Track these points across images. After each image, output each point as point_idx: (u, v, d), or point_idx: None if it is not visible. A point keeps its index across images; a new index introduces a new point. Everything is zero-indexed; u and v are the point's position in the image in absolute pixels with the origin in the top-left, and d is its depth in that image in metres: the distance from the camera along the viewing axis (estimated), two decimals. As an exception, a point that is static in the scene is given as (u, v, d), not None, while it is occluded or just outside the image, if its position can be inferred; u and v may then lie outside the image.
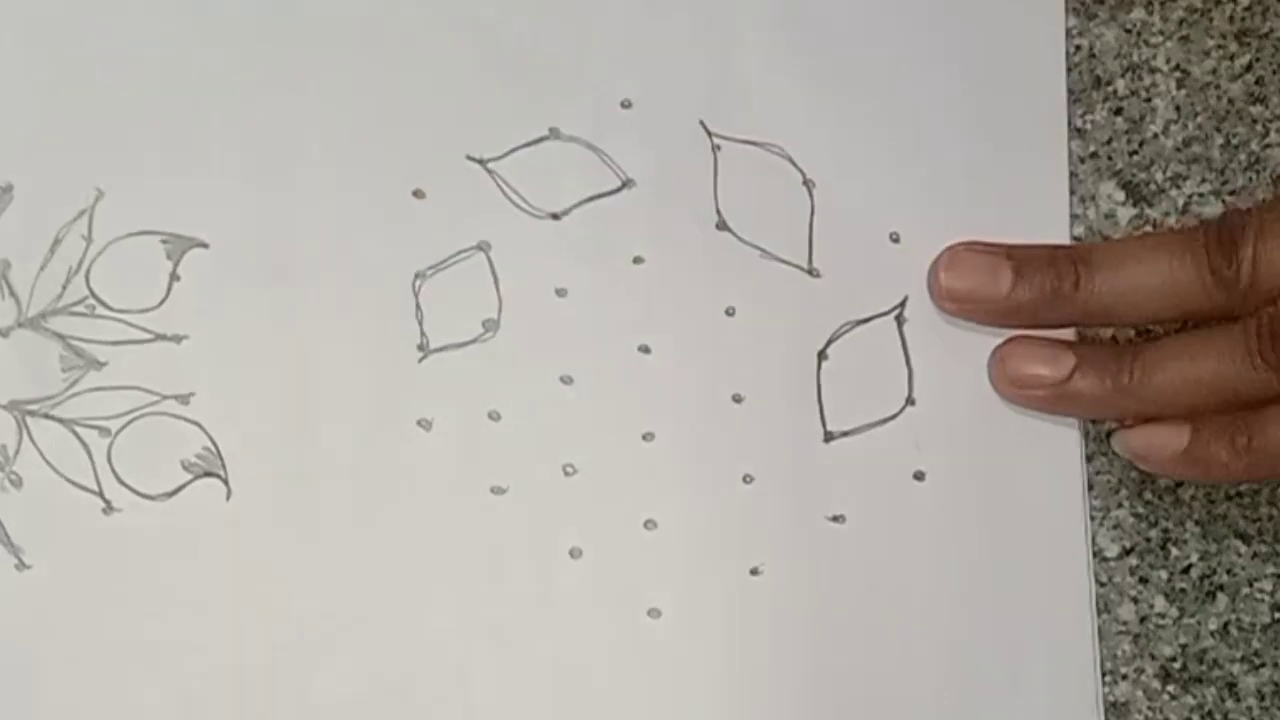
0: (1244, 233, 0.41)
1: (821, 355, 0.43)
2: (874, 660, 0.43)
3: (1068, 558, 0.44)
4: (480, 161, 0.43)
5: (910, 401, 0.44)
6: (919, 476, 0.43)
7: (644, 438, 0.43)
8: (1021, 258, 0.43)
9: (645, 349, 0.43)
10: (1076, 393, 0.43)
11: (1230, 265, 0.41)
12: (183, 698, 0.41)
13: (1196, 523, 0.45)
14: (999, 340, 0.44)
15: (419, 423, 0.42)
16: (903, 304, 0.44)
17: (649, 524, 0.43)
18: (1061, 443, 0.44)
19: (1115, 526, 0.44)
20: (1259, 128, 0.46)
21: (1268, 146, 0.45)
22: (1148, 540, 0.45)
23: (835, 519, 0.43)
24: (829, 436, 0.43)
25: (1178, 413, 0.43)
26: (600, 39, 0.44)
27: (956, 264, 0.43)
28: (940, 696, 0.43)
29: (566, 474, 0.43)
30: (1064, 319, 0.43)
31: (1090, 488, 0.44)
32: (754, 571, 0.43)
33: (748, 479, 0.43)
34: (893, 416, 0.44)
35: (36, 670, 0.40)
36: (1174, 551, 0.45)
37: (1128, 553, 0.44)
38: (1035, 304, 0.43)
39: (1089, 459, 0.44)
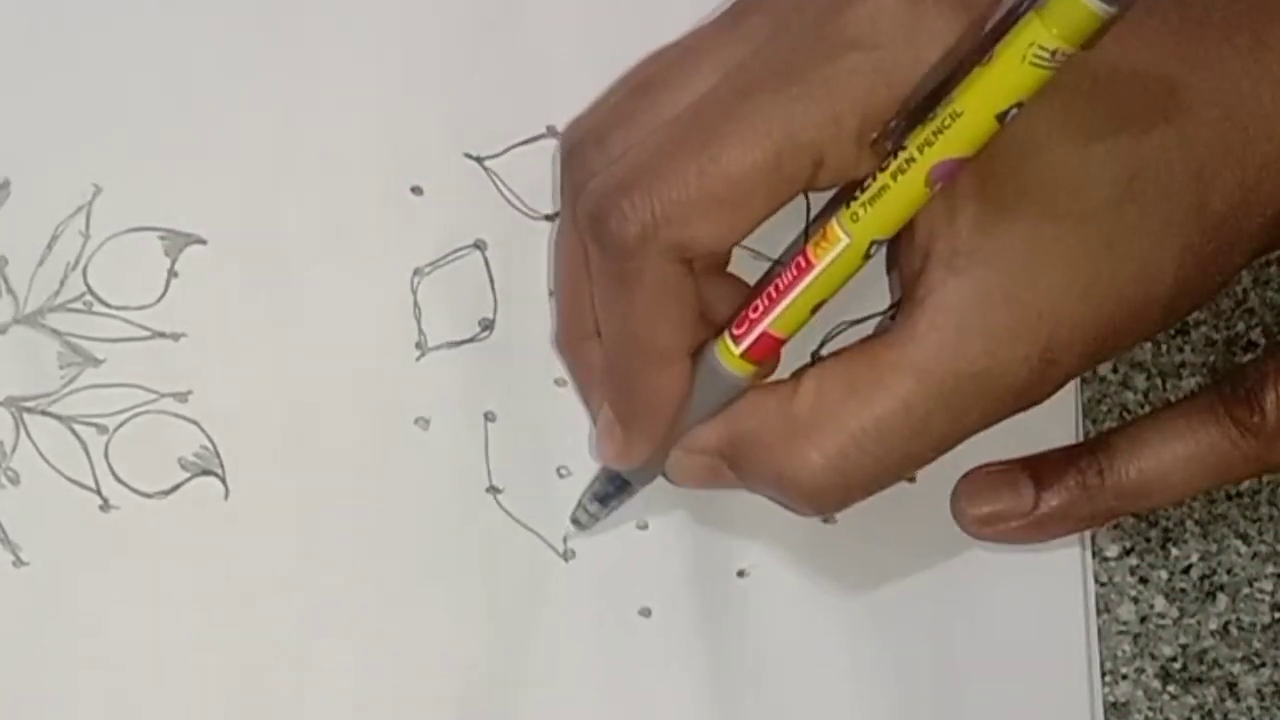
0: (1262, 380, 0.40)
1: (815, 355, 0.43)
2: (864, 662, 0.43)
3: (1061, 559, 0.43)
4: (478, 159, 0.43)
5: (905, 402, 0.44)
6: (910, 478, 0.43)
7: (637, 439, 0.43)
8: (1038, 465, 0.42)
9: (639, 349, 0.43)
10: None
11: (1254, 413, 0.40)
12: (179, 695, 0.41)
13: (1196, 523, 0.45)
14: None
15: (416, 421, 0.42)
16: (897, 304, 0.44)
17: (641, 525, 0.43)
18: (1056, 444, 0.44)
19: (1115, 526, 0.44)
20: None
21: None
22: (1148, 540, 0.44)
23: (825, 520, 0.43)
24: (823, 437, 0.43)
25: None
26: (599, 37, 0.44)
27: (975, 490, 0.42)
28: (933, 698, 0.43)
29: (560, 475, 0.43)
30: (1101, 513, 0.42)
31: (1090, 487, 0.44)
32: (741, 574, 0.43)
33: (740, 480, 0.43)
34: (886, 417, 0.44)
35: (33, 667, 0.40)
36: (1174, 551, 0.45)
37: (1128, 553, 0.44)
38: (1066, 506, 0.41)
39: (1089, 459, 0.44)
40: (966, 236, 0.37)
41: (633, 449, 0.40)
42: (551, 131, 0.43)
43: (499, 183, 0.43)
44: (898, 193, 0.36)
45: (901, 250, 0.38)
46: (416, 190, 0.43)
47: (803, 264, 0.37)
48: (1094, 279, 0.37)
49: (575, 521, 0.42)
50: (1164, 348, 0.45)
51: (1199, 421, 0.41)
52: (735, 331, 0.38)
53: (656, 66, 0.39)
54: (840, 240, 0.37)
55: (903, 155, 0.36)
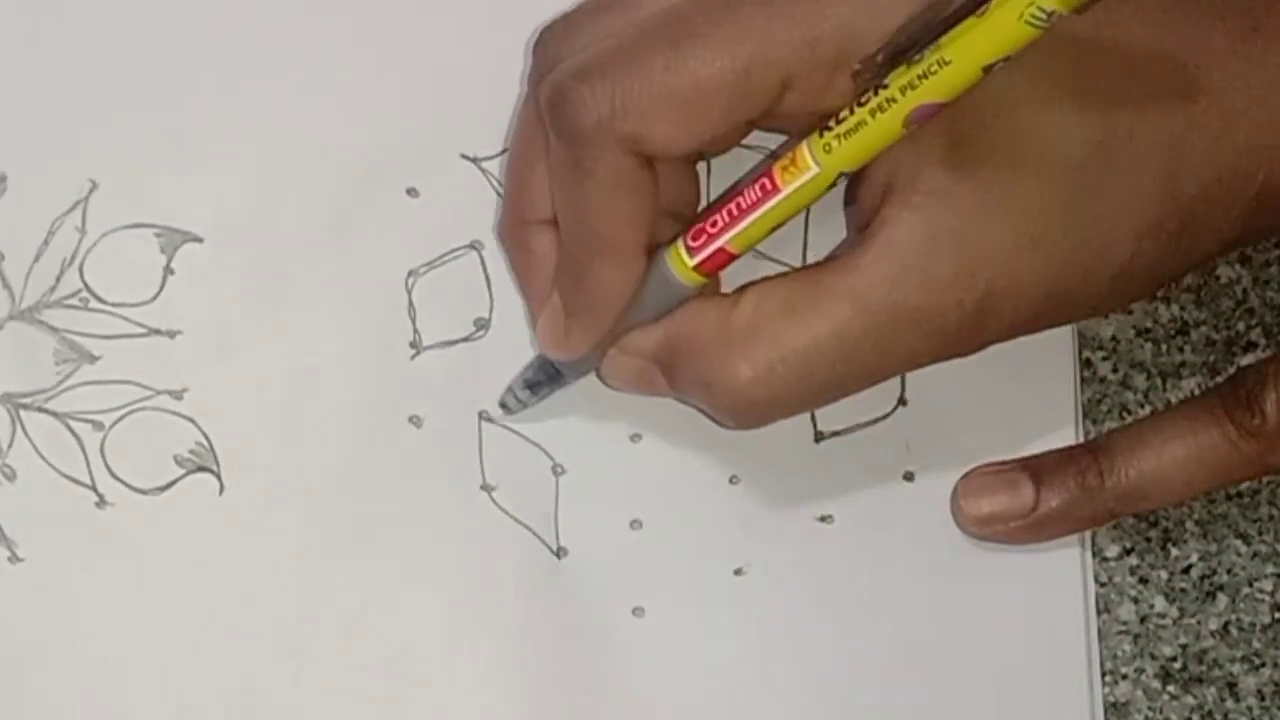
0: (1262, 382, 0.40)
1: None
2: (861, 662, 0.42)
3: (1061, 559, 0.43)
4: (474, 160, 0.43)
5: (902, 401, 0.43)
6: (909, 477, 0.43)
7: (632, 438, 0.43)
8: (1038, 466, 0.42)
9: (634, 349, 0.43)
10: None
11: (1254, 416, 0.40)
12: (174, 692, 0.41)
13: (1196, 523, 0.44)
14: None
15: (410, 419, 0.42)
16: None
17: (635, 523, 0.43)
18: (1055, 445, 0.43)
19: (1115, 526, 0.44)
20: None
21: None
22: (1148, 540, 0.44)
23: (823, 519, 0.43)
24: (819, 436, 0.43)
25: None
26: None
27: (974, 489, 0.43)
28: (933, 698, 0.43)
29: (555, 473, 0.43)
30: (1100, 514, 0.42)
31: (1090, 487, 0.44)
32: (738, 572, 0.43)
33: (734, 479, 0.43)
34: (884, 416, 0.43)
35: (28, 663, 0.41)
36: (1174, 551, 0.44)
37: (1128, 553, 0.44)
38: (1066, 507, 0.42)
39: (1089, 459, 0.44)
40: (928, 177, 0.37)
41: (573, 340, 0.40)
42: (548, 131, 0.43)
43: (496, 183, 0.43)
44: (874, 130, 0.36)
45: (861, 184, 0.38)
46: (412, 192, 0.43)
47: (768, 186, 0.38)
48: (1043, 234, 0.37)
49: (503, 405, 0.42)
50: (1164, 348, 0.45)
51: (1199, 423, 0.41)
52: (691, 243, 0.39)
53: None
54: (810, 168, 0.37)
55: (883, 94, 0.36)
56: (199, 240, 0.42)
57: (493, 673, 0.42)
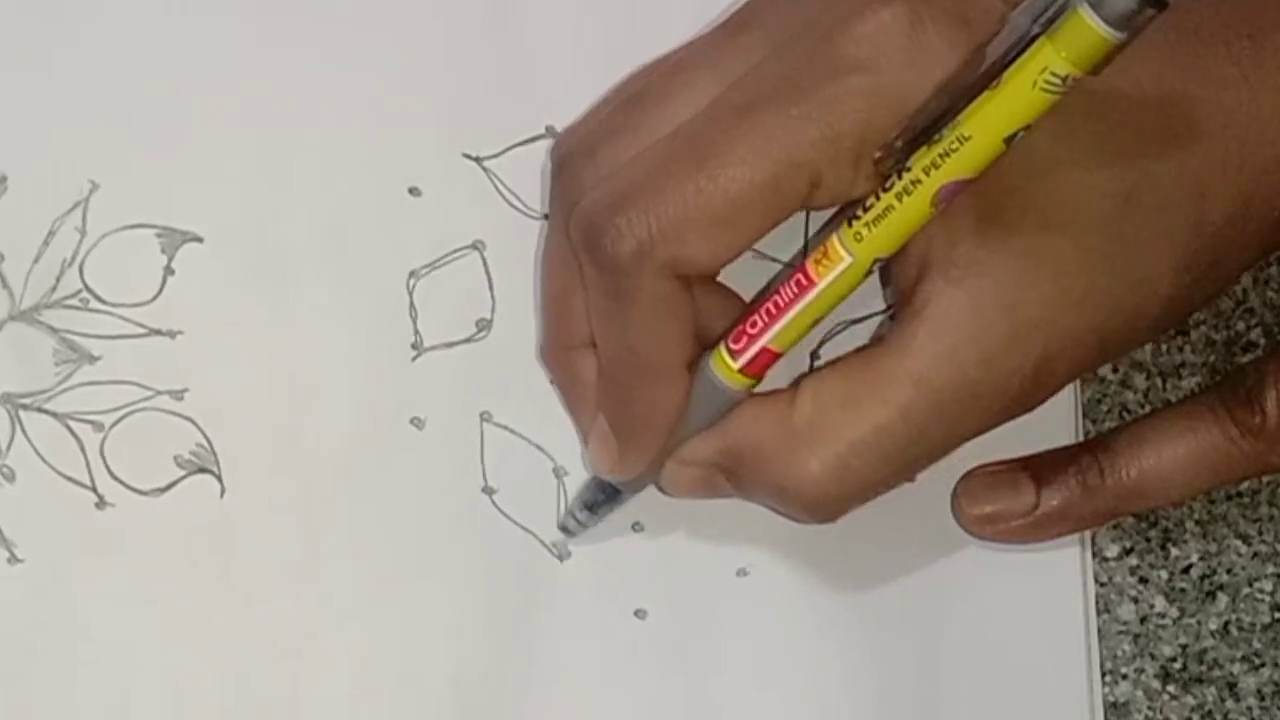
0: (1262, 381, 0.40)
1: (814, 355, 0.43)
2: (862, 662, 0.42)
3: (1061, 559, 0.43)
4: (476, 159, 0.43)
5: (903, 403, 0.43)
6: (909, 477, 0.43)
7: (633, 440, 0.43)
8: (1039, 465, 0.42)
9: (636, 351, 0.43)
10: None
11: (1255, 414, 0.40)
12: (173, 693, 0.41)
13: (1196, 523, 0.45)
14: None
15: (412, 421, 0.42)
16: (893, 306, 0.44)
17: (636, 526, 0.42)
18: (1055, 444, 0.43)
19: (1115, 526, 0.44)
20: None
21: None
22: (1148, 540, 0.44)
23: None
24: (820, 438, 0.43)
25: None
26: (598, 37, 0.44)
27: (974, 489, 0.43)
28: (933, 698, 0.43)
29: (556, 476, 0.42)
30: (1100, 513, 0.42)
31: (1090, 487, 0.44)
32: (740, 573, 0.43)
33: (736, 481, 0.43)
34: (885, 419, 0.43)
35: (27, 664, 0.40)
36: (1174, 551, 0.44)
37: (1128, 553, 0.44)
38: (1067, 506, 0.42)
39: (1089, 459, 0.44)
40: (965, 249, 0.37)
41: (628, 462, 0.40)
42: (550, 132, 0.43)
43: (498, 183, 0.43)
44: (903, 213, 0.36)
45: (896, 260, 0.38)
46: (414, 191, 0.43)
47: (803, 281, 0.37)
48: (1089, 290, 0.37)
49: (563, 529, 0.42)
50: (1164, 348, 0.45)
51: (1200, 422, 0.41)
52: (733, 346, 0.38)
53: (650, 79, 0.39)
54: (843, 259, 0.37)
55: (907, 177, 0.36)
56: (199, 240, 0.42)
57: (494, 675, 0.42)
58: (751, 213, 0.36)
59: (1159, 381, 0.45)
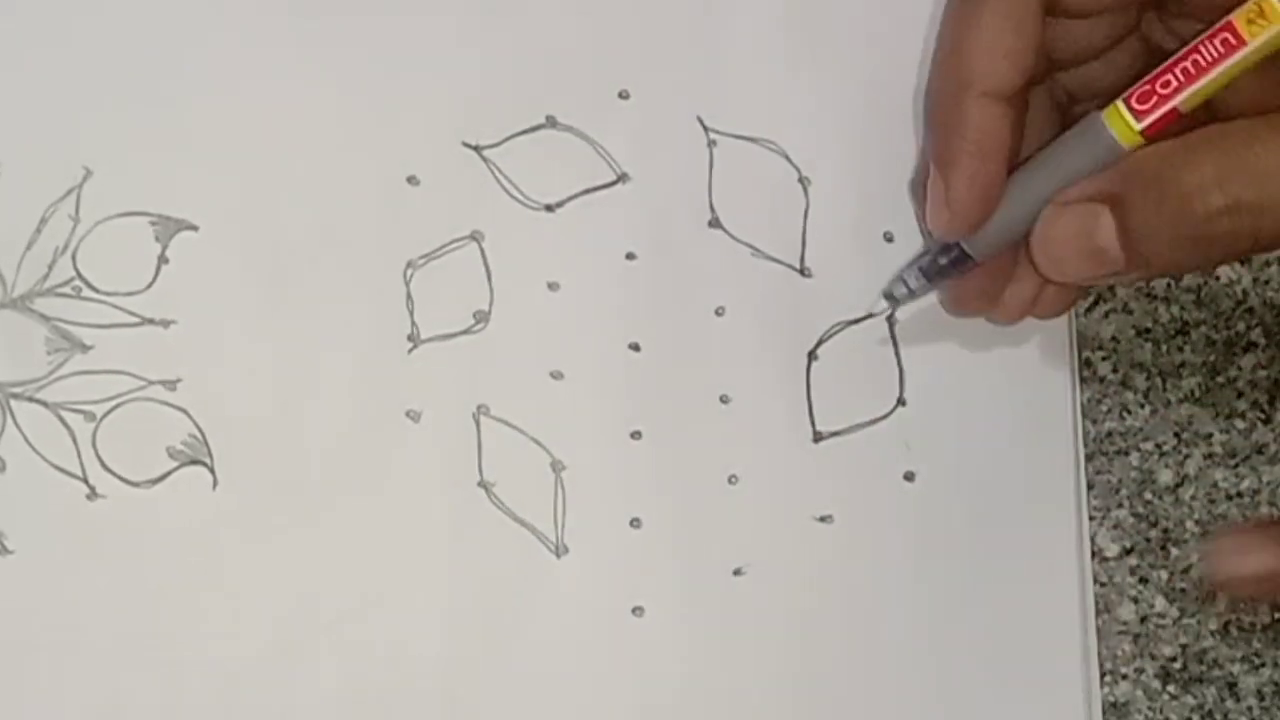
0: None
1: (811, 355, 0.43)
2: (859, 663, 0.42)
3: (1059, 560, 0.43)
4: (476, 148, 0.43)
5: (901, 402, 0.43)
6: (909, 477, 0.43)
7: (632, 436, 0.42)
8: None
9: (635, 347, 0.43)
10: None
11: None
12: (166, 685, 0.40)
13: (1197, 522, 0.44)
14: (993, 336, 0.43)
15: (407, 414, 0.42)
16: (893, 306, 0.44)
17: (634, 522, 0.42)
18: (1055, 445, 0.43)
19: (1115, 526, 0.44)
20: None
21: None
22: (1148, 540, 0.44)
23: (822, 519, 0.43)
24: (818, 437, 0.43)
25: None
26: (599, 28, 0.43)
27: (1236, 548, 0.38)
28: (927, 700, 0.42)
29: (554, 470, 0.42)
30: None
31: (1090, 487, 0.44)
32: (737, 572, 0.42)
33: (734, 479, 0.42)
34: (883, 417, 0.43)
35: (18, 655, 0.40)
36: (1174, 551, 0.44)
37: (1128, 553, 0.44)
38: None
39: (1089, 459, 0.44)
40: None
41: (955, 195, 0.38)
42: (551, 121, 0.43)
43: (497, 173, 0.43)
44: None
45: None
46: (413, 180, 0.42)
47: (1231, 41, 0.37)
48: None
49: (888, 296, 0.41)
50: (1164, 348, 0.45)
51: None
52: (1138, 106, 0.37)
53: None
54: None
55: None
56: (194, 229, 0.42)
57: (489, 670, 0.41)
58: None
59: (1159, 381, 0.45)
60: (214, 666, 0.40)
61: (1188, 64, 0.37)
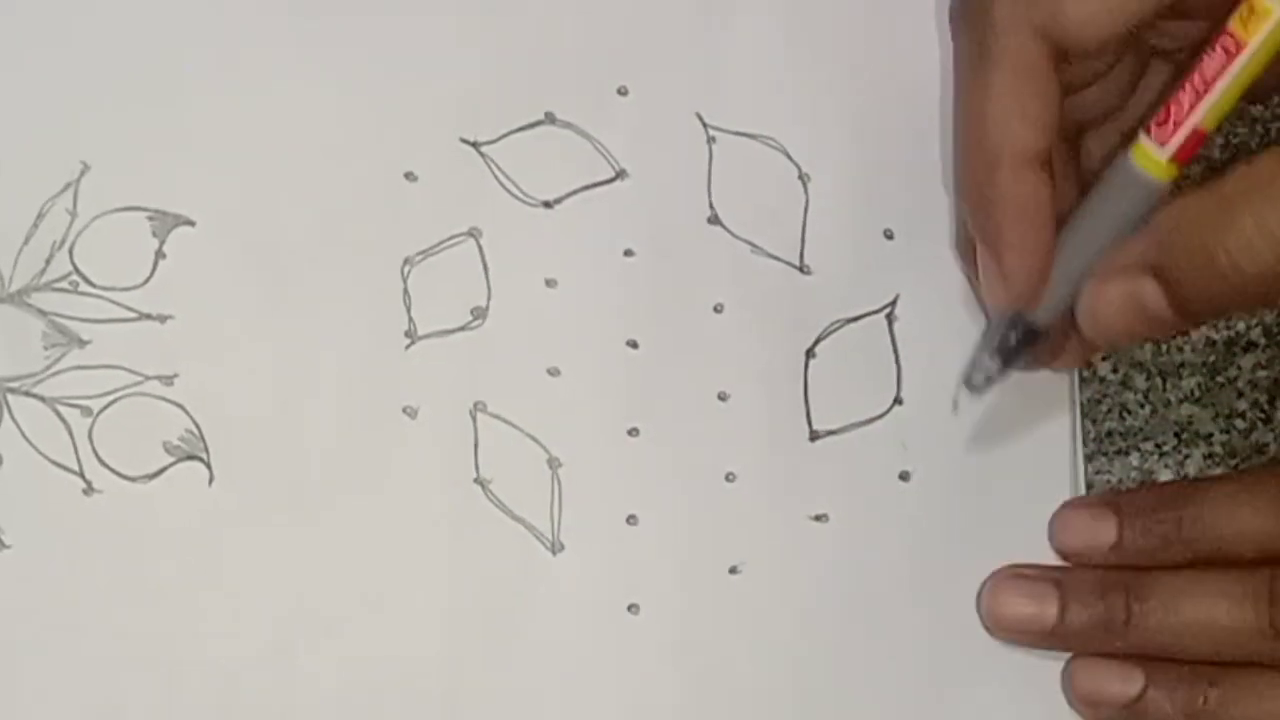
0: None
1: (809, 354, 0.43)
2: (855, 661, 0.42)
3: (1058, 560, 0.43)
4: (474, 144, 0.43)
5: (898, 401, 0.43)
6: (904, 476, 0.43)
7: (629, 433, 0.42)
8: (1069, 584, 0.41)
9: (633, 344, 0.43)
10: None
11: None
12: (163, 681, 0.40)
13: (1195, 523, 0.44)
14: (990, 336, 0.43)
15: (404, 410, 0.42)
16: (894, 302, 0.43)
17: (631, 519, 0.42)
18: (1052, 446, 0.43)
19: (1114, 526, 0.44)
20: (1259, 128, 0.46)
21: (1268, 144, 0.45)
22: (1146, 541, 0.44)
23: (818, 518, 0.43)
24: (814, 435, 0.43)
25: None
26: (598, 24, 0.43)
27: (1001, 591, 0.42)
28: (923, 698, 0.42)
29: (551, 467, 0.42)
30: (1117, 650, 0.41)
31: (1090, 487, 0.43)
32: (733, 570, 0.42)
33: (730, 477, 0.42)
34: (880, 416, 0.43)
35: (14, 651, 0.40)
36: (1172, 552, 0.44)
37: (1126, 553, 0.44)
38: (1085, 632, 0.41)
39: (1089, 459, 0.44)
40: None
41: (1009, 267, 0.38)
42: (549, 118, 0.43)
43: (496, 169, 0.43)
44: None
45: None
46: (410, 176, 0.42)
47: (1230, 46, 0.36)
48: None
49: (968, 384, 0.40)
50: (1164, 348, 0.45)
51: (1237, 607, 0.39)
52: (1159, 134, 0.37)
53: None
54: (1272, 12, 0.35)
55: None
56: (191, 224, 0.42)
57: (485, 666, 0.41)
58: None
59: (1159, 381, 0.45)
60: (211, 661, 0.40)
61: (1194, 80, 0.37)
